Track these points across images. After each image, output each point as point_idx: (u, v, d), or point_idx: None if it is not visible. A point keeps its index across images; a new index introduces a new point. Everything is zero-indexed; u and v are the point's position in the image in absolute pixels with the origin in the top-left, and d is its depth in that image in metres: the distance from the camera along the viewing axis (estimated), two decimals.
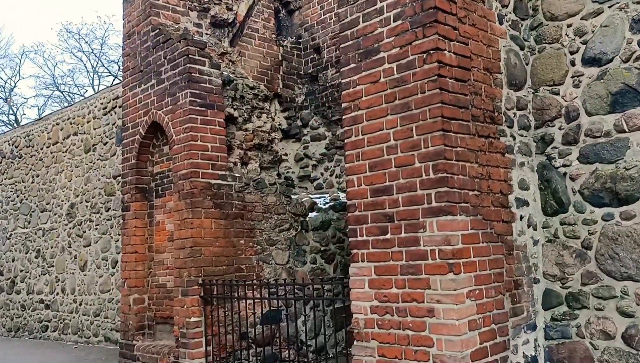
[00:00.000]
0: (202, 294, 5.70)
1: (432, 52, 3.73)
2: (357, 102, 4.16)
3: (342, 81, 4.29)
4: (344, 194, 7.76)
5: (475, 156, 3.88)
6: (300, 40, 8.34)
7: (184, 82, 5.92)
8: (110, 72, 26.82)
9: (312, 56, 8.22)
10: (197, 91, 5.94)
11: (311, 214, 6.93)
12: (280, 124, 7.63)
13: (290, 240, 6.54)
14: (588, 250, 4.17)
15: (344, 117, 4.27)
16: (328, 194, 7.59)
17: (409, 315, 3.71)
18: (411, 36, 3.85)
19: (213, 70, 6.09)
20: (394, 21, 3.93)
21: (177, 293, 5.82)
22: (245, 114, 6.48)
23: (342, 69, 4.30)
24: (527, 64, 4.53)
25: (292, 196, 6.69)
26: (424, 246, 3.69)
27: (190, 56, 5.93)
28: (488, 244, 3.87)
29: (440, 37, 3.75)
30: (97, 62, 27.07)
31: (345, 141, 4.24)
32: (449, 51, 3.79)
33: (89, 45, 27.40)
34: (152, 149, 6.67)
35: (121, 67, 6.51)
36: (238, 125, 6.42)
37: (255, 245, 6.20)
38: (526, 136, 4.44)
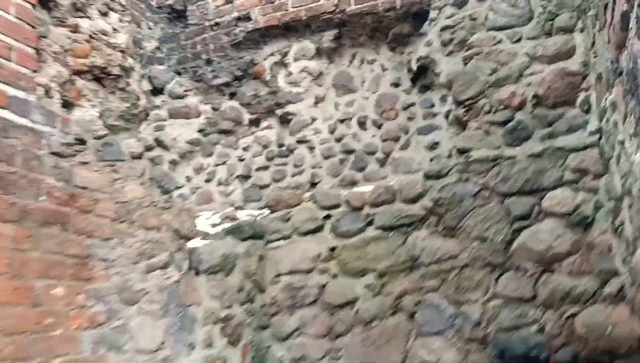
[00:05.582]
0: None
1: None
2: None
3: None
4: (247, 213, 4.28)
5: None
6: None
7: None
8: None
9: None
10: None
11: (196, 242, 3.30)
12: None
13: (169, 293, 2.80)
14: None
15: None
16: (212, 212, 4.00)
17: None
18: None
19: None
20: None
21: None
22: None
23: None
24: None
25: (174, 194, 3.01)
26: None
27: None
28: None
29: None
30: None
31: None
32: None
33: None
34: None
35: None
36: (57, 12, 2.63)
37: (92, 302, 2.35)
38: None
